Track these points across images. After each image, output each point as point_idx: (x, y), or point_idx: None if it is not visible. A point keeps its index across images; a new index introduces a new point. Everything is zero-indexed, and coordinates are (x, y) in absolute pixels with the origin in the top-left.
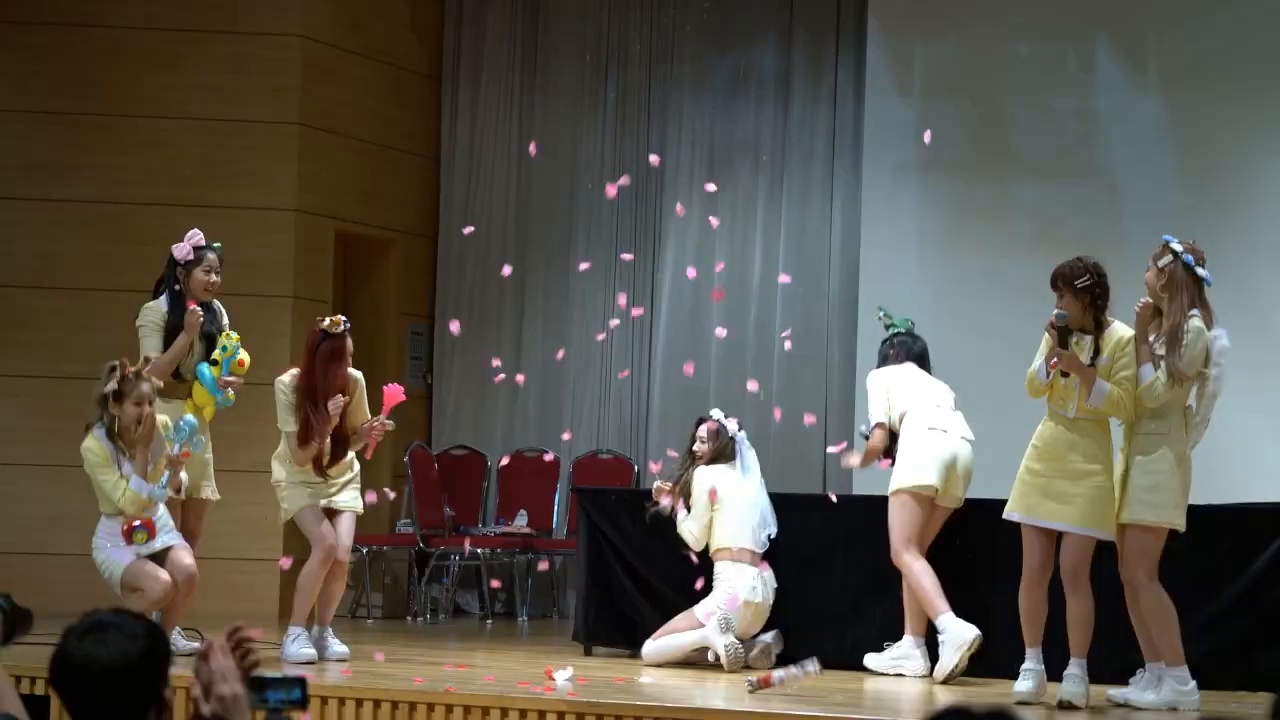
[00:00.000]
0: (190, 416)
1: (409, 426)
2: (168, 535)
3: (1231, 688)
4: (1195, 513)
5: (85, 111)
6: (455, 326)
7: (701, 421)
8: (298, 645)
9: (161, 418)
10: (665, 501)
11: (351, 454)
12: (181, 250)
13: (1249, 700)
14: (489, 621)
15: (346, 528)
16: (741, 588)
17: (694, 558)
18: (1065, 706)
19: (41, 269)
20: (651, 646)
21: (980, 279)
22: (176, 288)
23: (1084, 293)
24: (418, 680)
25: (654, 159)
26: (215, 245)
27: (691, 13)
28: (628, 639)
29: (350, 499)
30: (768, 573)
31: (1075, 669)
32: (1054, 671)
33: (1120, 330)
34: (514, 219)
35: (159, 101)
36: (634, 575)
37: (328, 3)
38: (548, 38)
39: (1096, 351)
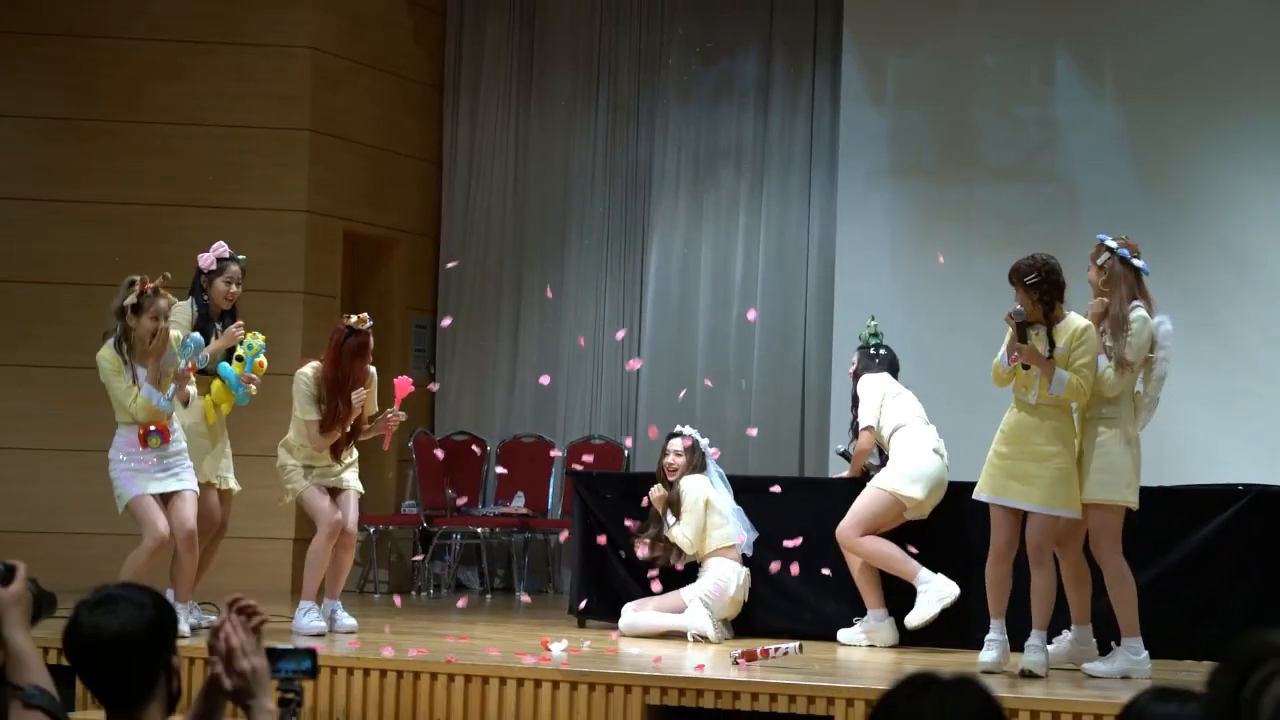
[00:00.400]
0: (196, 334)
1: (413, 414)
2: (182, 476)
3: (1177, 657)
4: (1146, 493)
5: (102, 118)
6: (446, 322)
7: (674, 436)
8: (309, 618)
9: (174, 332)
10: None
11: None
12: (205, 260)
13: (1196, 670)
14: (489, 596)
15: (352, 503)
16: (731, 582)
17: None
18: (1026, 675)
19: (58, 266)
20: (631, 619)
21: (950, 278)
22: (204, 296)
23: (1033, 289)
24: (421, 651)
25: None
26: (239, 257)
27: (677, 26)
28: (618, 613)
29: (352, 478)
30: (746, 570)
31: (1036, 640)
32: (1017, 643)
33: (1076, 321)
34: (511, 220)
35: (173, 109)
36: (621, 554)
37: (335, 15)
38: (543, 49)
39: (1052, 343)
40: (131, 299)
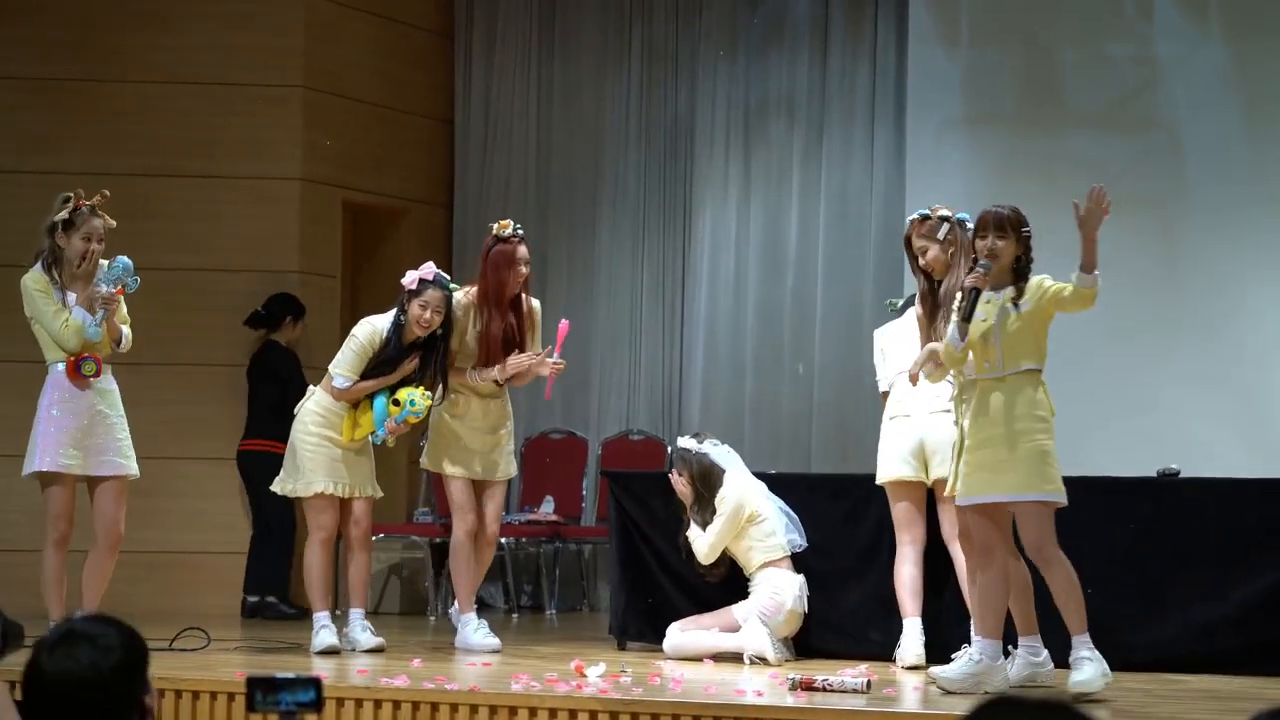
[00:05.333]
0: (124, 258)
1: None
2: (118, 460)
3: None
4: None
5: (71, 77)
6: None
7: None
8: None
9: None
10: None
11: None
12: (409, 279)
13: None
14: (515, 615)
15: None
16: (789, 595)
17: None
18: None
19: (22, 247)
20: (678, 640)
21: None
22: (402, 319)
23: (1026, 240)
24: (440, 679)
25: None
26: (449, 283)
27: None
28: (662, 633)
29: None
30: (802, 578)
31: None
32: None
33: (1038, 276)
34: (534, 184)
35: (150, 65)
36: (667, 566)
37: None
38: None
39: (1016, 299)
40: (64, 214)
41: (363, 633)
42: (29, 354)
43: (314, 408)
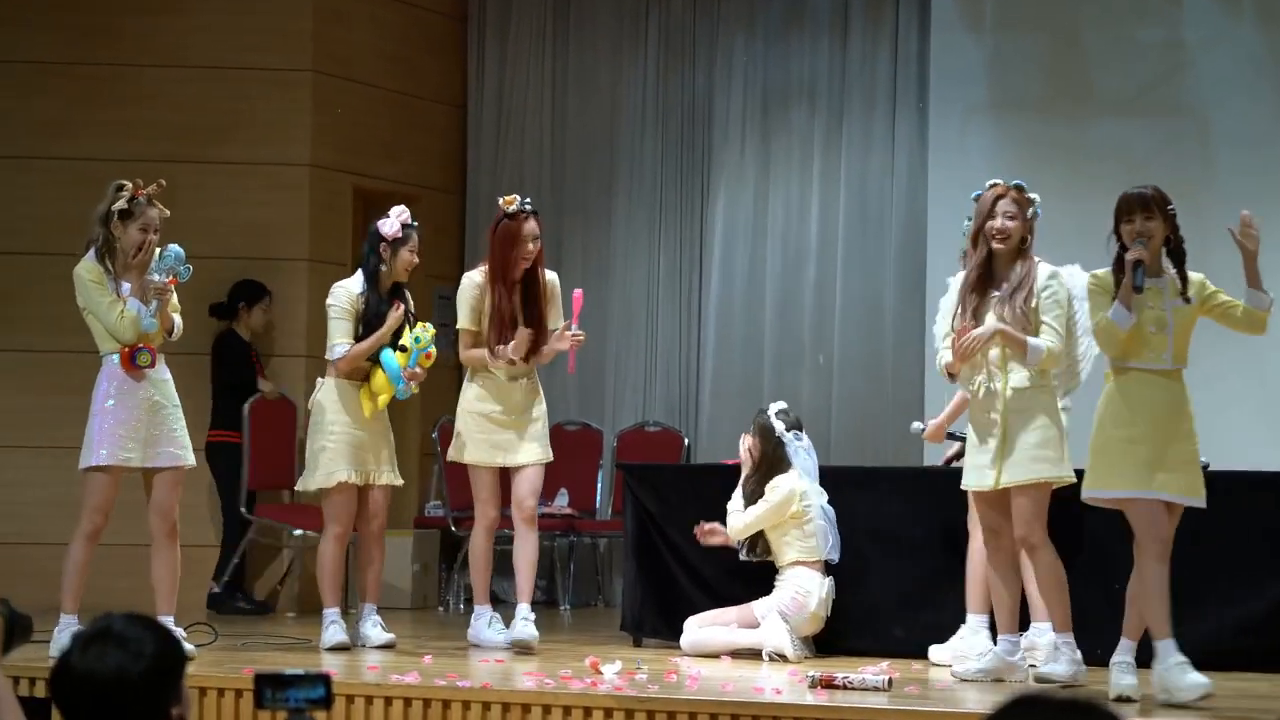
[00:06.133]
0: (176, 246)
1: (438, 400)
2: (175, 450)
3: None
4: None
5: (77, 60)
6: None
7: (757, 414)
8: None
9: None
10: (715, 541)
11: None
12: (390, 227)
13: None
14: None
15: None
16: (813, 595)
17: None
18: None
19: (32, 234)
20: (696, 636)
21: (1059, 229)
22: (382, 267)
23: (1173, 219)
24: (452, 676)
25: None
26: (415, 223)
27: None
28: (679, 630)
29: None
30: (830, 580)
31: (1173, 653)
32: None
33: (1197, 275)
34: (548, 171)
35: (157, 49)
36: (684, 561)
37: None
38: None
39: (1185, 295)
40: (121, 204)
41: (374, 629)
42: (39, 344)
43: (326, 396)
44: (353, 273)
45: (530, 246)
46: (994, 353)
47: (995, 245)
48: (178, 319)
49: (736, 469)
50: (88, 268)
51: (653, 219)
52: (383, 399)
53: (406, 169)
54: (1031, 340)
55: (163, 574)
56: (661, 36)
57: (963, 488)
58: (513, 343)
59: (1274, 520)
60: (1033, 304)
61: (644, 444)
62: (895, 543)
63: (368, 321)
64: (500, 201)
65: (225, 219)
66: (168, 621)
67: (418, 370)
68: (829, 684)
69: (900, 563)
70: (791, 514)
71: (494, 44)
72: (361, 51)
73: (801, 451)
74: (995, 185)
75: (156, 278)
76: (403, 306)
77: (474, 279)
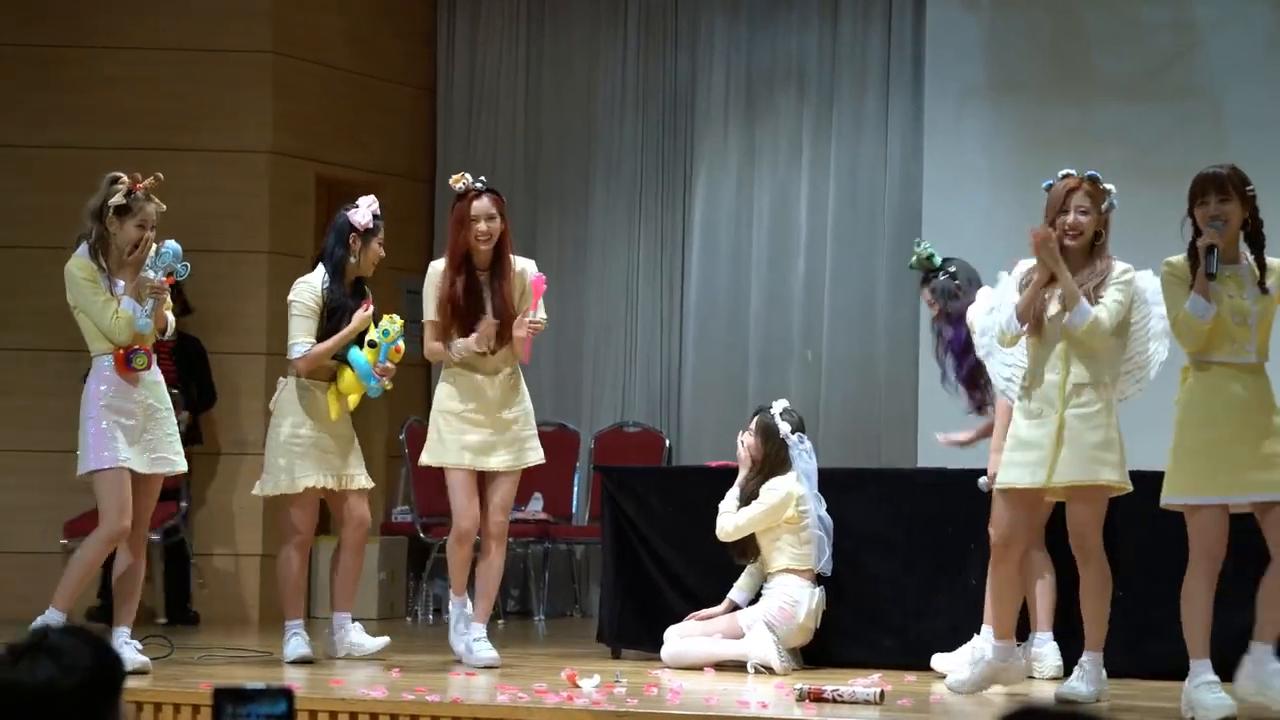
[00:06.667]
0: (174, 243)
1: (405, 399)
2: (171, 456)
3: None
4: None
5: (21, 42)
6: None
7: (758, 412)
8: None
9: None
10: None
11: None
12: (362, 217)
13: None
14: (501, 622)
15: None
16: (802, 606)
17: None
18: None
19: None
20: (677, 647)
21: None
22: (350, 260)
23: (1252, 201)
24: (421, 689)
25: None
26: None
27: None
28: (659, 640)
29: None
30: (820, 590)
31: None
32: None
33: (1276, 259)
34: (522, 158)
35: (108, 30)
36: (665, 568)
37: None
38: None
39: (1263, 285)
40: (118, 199)
41: (361, 635)
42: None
43: (289, 397)
44: (313, 266)
45: (483, 226)
46: (1059, 344)
47: (1067, 242)
48: (171, 318)
49: (720, 472)
50: (80, 264)
51: (632, 209)
52: (353, 399)
53: (372, 155)
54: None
55: (132, 585)
56: (641, 16)
57: (998, 486)
58: (474, 335)
59: None
60: (1103, 291)
61: (623, 445)
62: (887, 549)
63: (332, 317)
64: (450, 181)
65: (180, 209)
66: (123, 634)
67: (389, 365)
68: (817, 697)
69: (892, 570)
70: (787, 518)
71: (465, 24)
72: (324, 32)
73: (804, 455)
74: (1068, 176)
75: (152, 275)
76: (371, 305)
77: (437, 267)
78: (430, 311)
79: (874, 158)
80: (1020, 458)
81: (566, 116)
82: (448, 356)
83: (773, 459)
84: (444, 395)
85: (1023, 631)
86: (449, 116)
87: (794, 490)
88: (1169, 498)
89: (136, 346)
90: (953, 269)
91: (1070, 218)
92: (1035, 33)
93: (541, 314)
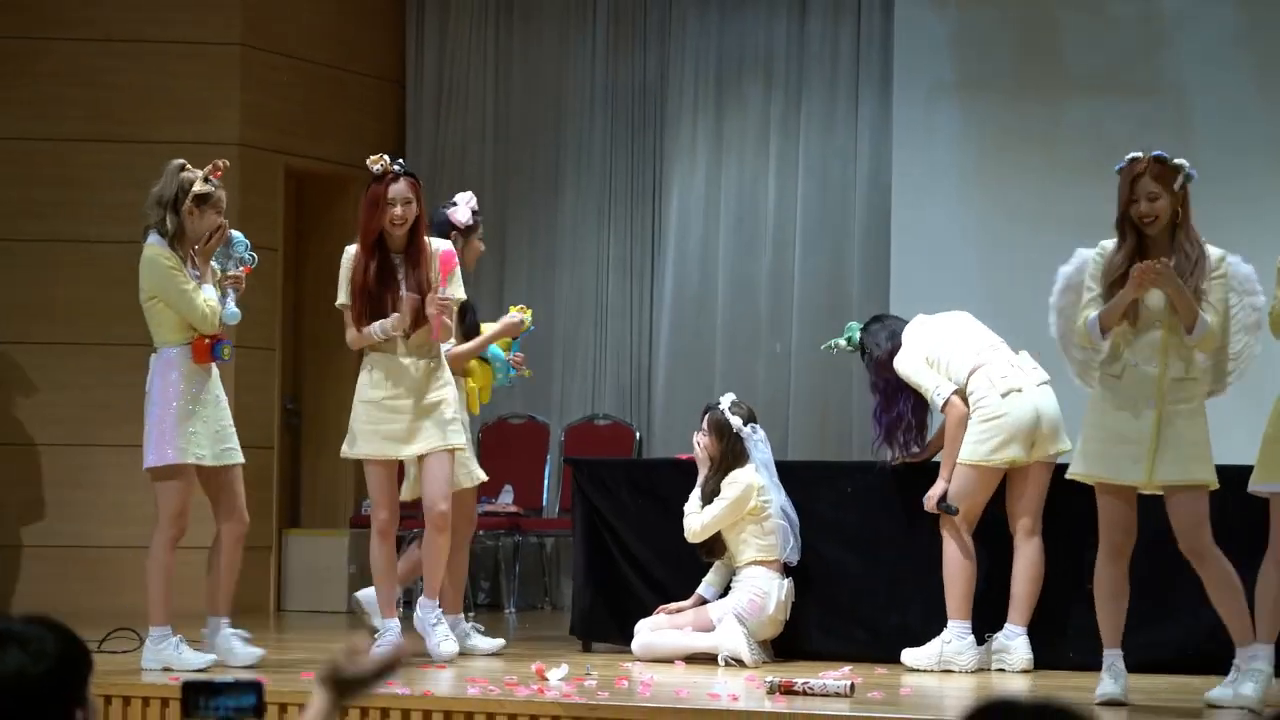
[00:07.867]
0: (239, 233)
1: None
2: (232, 439)
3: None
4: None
5: None
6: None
7: (708, 410)
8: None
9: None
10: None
11: None
12: (462, 215)
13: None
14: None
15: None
16: (771, 597)
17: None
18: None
19: None
20: (647, 640)
21: (1029, 213)
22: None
23: None
24: (390, 683)
25: None
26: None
27: None
28: (630, 633)
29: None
30: (789, 582)
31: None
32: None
33: None
34: (492, 152)
35: (74, 21)
36: (635, 561)
37: None
38: None
39: None
40: (201, 186)
41: (479, 637)
42: None
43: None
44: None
45: (399, 210)
46: (1155, 334)
47: (1146, 231)
48: (232, 302)
49: (691, 464)
50: (164, 253)
51: (602, 202)
52: (486, 394)
53: (341, 148)
54: (1205, 317)
55: (228, 576)
56: (611, 10)
57: (1084, 478)
58: (394, 315)
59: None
60: (1204, 286)
61: (593, 438)
62: (858, 542)
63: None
64: (368, 161)
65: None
66: (223, 623)
67: (521, 355)
68: (788, 690)
69: (863, 563)
70: (749, 510)
71: (434, 16)
72: (293, 25)
73: (759, 445)
74: (1135, 160)
75: (231, 266)
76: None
77: (351, 251)
78: (344, 295)
79: (843, 152)
80: (1116, 451)
81: (536, 109)
82: (367, 341)
83: (730, 454)
84: (363, 384)
85: (997, 622)
86: (418, 110)
87: (754, 481)
88: (1263, 485)
89: (224, 337)
90: (878, 334)
91: (1142, 205)
92: (1005, 28)
93: (454, 291)
